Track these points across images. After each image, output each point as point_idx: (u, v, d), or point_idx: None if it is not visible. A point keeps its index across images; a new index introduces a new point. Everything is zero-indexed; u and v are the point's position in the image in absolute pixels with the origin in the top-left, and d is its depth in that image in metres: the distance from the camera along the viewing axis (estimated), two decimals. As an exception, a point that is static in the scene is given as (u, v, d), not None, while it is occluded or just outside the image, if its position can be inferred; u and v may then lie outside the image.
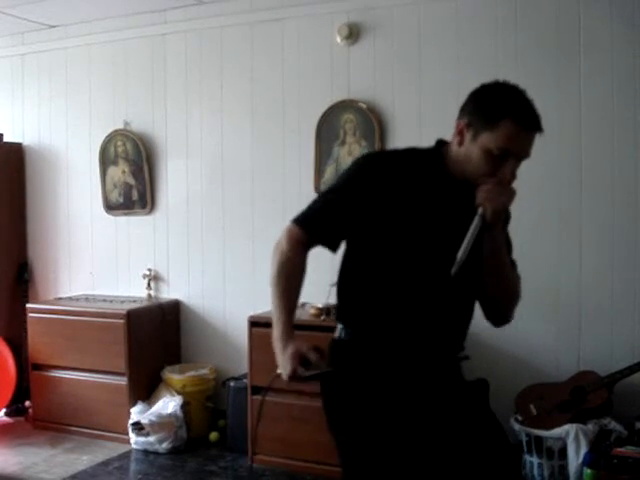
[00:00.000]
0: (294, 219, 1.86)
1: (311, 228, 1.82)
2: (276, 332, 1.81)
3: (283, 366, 1.75)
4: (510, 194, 1.70)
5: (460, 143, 1.74)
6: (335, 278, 1.95)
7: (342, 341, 1.88)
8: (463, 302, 1.87)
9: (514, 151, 1.68)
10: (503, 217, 1.73)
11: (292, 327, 1.80)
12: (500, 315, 1.90)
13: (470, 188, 1.72)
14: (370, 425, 1.77)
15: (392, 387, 1.80)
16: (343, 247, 1.91)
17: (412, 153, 1.85)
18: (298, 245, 1.82)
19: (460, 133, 1.74)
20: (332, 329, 1.97)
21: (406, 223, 1.75)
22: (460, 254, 1.64)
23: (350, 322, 1.87)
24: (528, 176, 3.56)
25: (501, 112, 1.67)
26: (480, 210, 1.67)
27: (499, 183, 1.68)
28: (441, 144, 1.83)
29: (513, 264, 1.90)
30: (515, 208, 3.38)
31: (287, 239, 1.82)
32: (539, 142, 3.37)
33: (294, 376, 1.71)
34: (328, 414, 1.87)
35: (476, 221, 1.66)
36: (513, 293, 1.86)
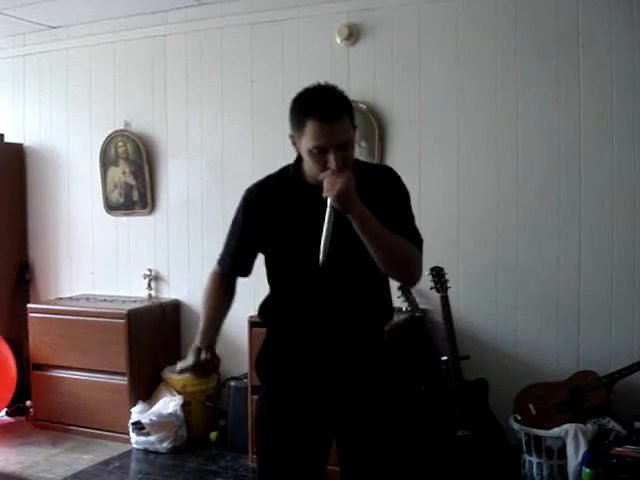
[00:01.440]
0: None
1: (222, 265, 2.21)
2: None
3: None
4: (344, 179, 1.83)
5: (299, 155, 1.99)
6: None
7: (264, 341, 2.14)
8: (357, 281, 1.98)
9: (327, 144, 1.85)
10: (351, 199, 1.83)
11: (202, 335, 2.12)
12: (401, 278, 2.09)
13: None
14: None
15: (294, 377, 2.01)
16: None
17: (280, 173, 2.11)
18: (216, 277, 2.25)
19: (294, 146, 1.98)
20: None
21: (279, 234, 2.01)
22: (322, 244, 1.81)
23: (265, 323, 2.13)
24: (527, 176, 3.60)
25: (302, 117, 1.88)
26: (329, 200, 1.84)
27: (332, 173, 1.85)
28: (300, 158, 2.03)
29: (410, 232, 1.97)
30: (515, 208, 3.42)
31: (210, 273, 2.26)
32: (539, 142, 3.37)
33: None
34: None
35: (328, 211, 1.83)
36: (401, 258, 1.94)
